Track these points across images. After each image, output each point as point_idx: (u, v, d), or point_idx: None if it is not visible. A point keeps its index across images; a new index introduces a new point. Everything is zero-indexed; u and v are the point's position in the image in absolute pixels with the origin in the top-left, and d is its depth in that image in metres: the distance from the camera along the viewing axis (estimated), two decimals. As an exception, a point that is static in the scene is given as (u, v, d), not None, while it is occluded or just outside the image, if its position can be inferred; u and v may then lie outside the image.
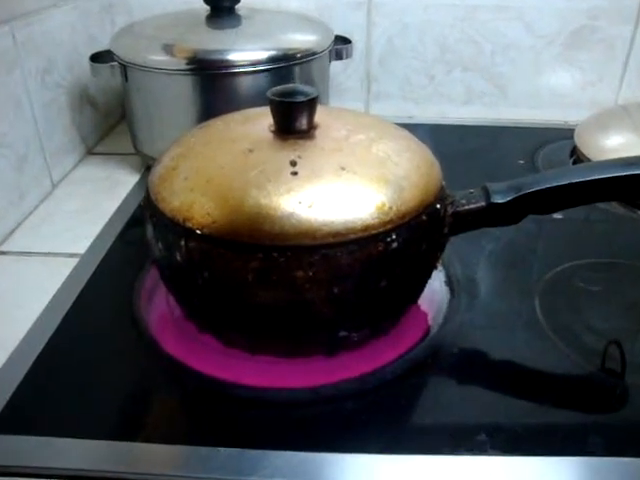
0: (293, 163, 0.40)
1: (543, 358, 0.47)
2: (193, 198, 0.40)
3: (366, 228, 0.38)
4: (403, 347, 0.47)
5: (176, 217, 0.40)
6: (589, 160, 0.73)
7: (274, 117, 0.44)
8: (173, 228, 0.40)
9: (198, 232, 0.39)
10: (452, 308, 0.51)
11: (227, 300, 0.41)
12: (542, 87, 0.90)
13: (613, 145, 0.76)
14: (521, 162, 0.77)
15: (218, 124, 0.48)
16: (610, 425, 0.42)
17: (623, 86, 0.89)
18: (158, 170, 0.45)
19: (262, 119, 0.45)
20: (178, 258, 0.41)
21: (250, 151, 0.42)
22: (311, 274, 0.38)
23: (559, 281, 0.54)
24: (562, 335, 0.48)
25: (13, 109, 0.64)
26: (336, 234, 0.38)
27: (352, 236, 0.38)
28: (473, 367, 0.46)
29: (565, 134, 0.81)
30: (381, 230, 0.39)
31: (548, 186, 0.44)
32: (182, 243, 0.40)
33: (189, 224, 0.39)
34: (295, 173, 0.40)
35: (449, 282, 0.53)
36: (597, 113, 0.83)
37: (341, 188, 0.39)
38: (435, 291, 0.52)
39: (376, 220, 0.39)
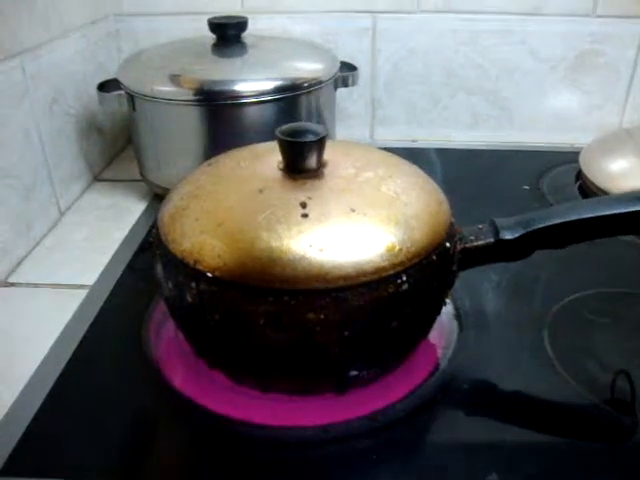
0: (303, 205, 0.40)
1: (552, 391, 0.47)
2: (204, 240, 0.40)
3: (376, 270, 0.39)
4: (413, 382, 0.47)
5: (186, 259, 0.40)
6: (594, 184, 0.73)
7: (283, 156, 0.44)
8: (184, 269, 0.41)
9: (209, 275, 0.39)
10: (461, 341, 0.51)
11: (238, 341, 0.41)
12: (547, 110, 0.90)
13: (617, 170, 0.76)
14: (526, 187, 0.77)
15: (227, 162, 0.48)
16: (622, 458, 0.42)
17: (627, 109, 0.89)
18: (168, 209, 0.45)
19: (270, 156, 0.45)
20: (188, 299, 0.41)
21: (260, 191, 0.42)
22: (322, 317, 0.38)
23: (567, 312, 0.54)
24: (570, 368, 0.48)
25: (22, 140, 0.64)
26: (347, 277, 0.38)
27: (363, 279, 0.38)
28: (483, 402, 0.46)
29: (571, 157, 0.81)
30: (391, 272, 0.39)
31: (557, 222, 0.45)
32: (193, 285, 0.40)
33: (200, 266, 0.40)
34: (305, 215, 0.40)
35: (457, 315, 0.53)
36: (601, 137, 0.83)
37: (351, 230, 0.39)
38: (444, 324, 0.52)
39: (386, 262, 0.39)
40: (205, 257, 0.39)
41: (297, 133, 0.43)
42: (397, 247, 0.39)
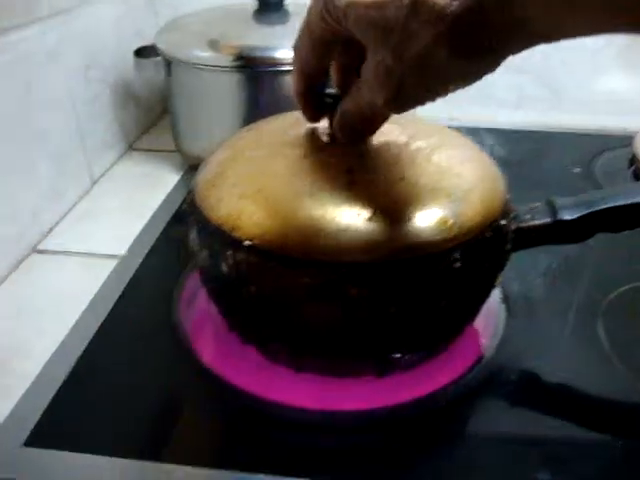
0: (350, 171, 0.37)
1: (606, 385, 0.44)
2: (242, 207, 0.37)
3: (427, 246, 0.35)
4: (457, 370, 0.44)
5: (223, 226, 0.38)
6: (649, 170, 0.69)
7: (330, 121, 0.41)
8: (220, 237, 0.38)
9: (247, 243, 0.36)
10: (509, 328, 0.48)
11: (274, 316, 0.39)
12: (599, 91, 0.86)
13: (675, 155, 0.72)
14: (577, 170, 0.73)
15: (268, 127, 0.45)
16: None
17: (685, 92, 0.84)
18: (205, 174, 0.42)
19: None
20: (224, 269, 0.38)
21: (304, 157, 0.39)
22: (367, 293, 0.36)
23: (624, 302, 0.51)
24: (627, 360, 0.45)
25: (55, 105, 0.62)
26: (394, 251, 0.35)
27: (412, 254, 0.35)
28: (531, 394, 0.43)
29: (623, 142, 0.77)
30: (443, 248, 0.36)
31: (621, 203, 0.41)
32: (229, 253, 0.38)
33: (237, 234, 0.37)
34: (352, 182, 0.37)
35: (505, 299, 0.50)
36: (658, 120, 0.79)
37: (401, 201, 0.36)
38: (490, 308, 0.49)
39: (438, 237, 0.36)
40: (243, 224, 0.37)
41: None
42: (450, 221, 0.36)
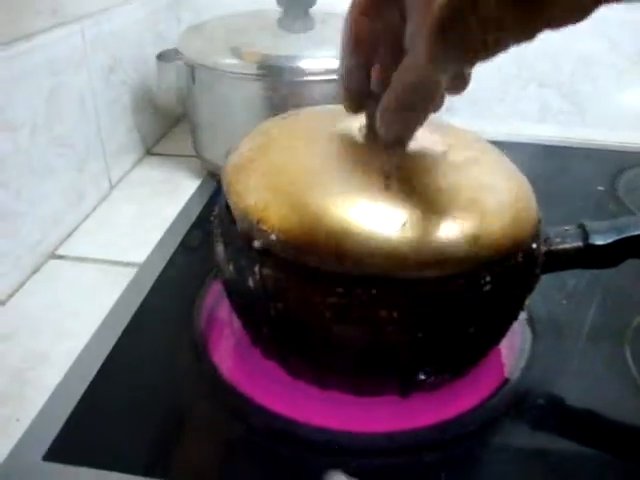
0: (387, 175, 0.36)
1: (635, 413, 0.43)
2: (270, 198, 0.36)
3: (460, 262, 0.34)
4: (483, 392, 0.43)
5: (249, 217, 0.37)
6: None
7: (368, 120, 0.40)
8: (243, 232, 0.37)
9: (273, 237, 0.35)
10: (535, 351, 0.47)
11: (299, 333, 0.38)
12: (624, 107, 0.85)
13: (700, 174, 0.71)
14: (601, 188, 0.72)
15: (305, 117, 0.44)
16: None
17: None
18: (234, 159, 0.41)
19: (352, 118, 0.41)
20: (248, 281, 0.38)
21: (339, 154, 0.38)
22: (395, 315, 0.35)
23: (652, 327, 0.50)
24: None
25: (78, 108, 0.62)
26: (424, 265, 0.34)
27: (443, 271, 0.34)
28: (559, 421, 0.42)
29: (648, 159, 0.76)
30: (471, 266, 0.35)
31: (655, 230, 0.40)
32: (252, 255, 0.36)
33: (263, 226, 0.36)
34: (387, 187, 0.36)
35: (530, 321, 0.49)
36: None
37: (437, 213, 0.35)
38: (515, 330, 0.48)
39: (472, 254, 0.35)
40: (270, 217, 0.35)
41: None
42: (482, 240, 0.35)
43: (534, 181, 0.70)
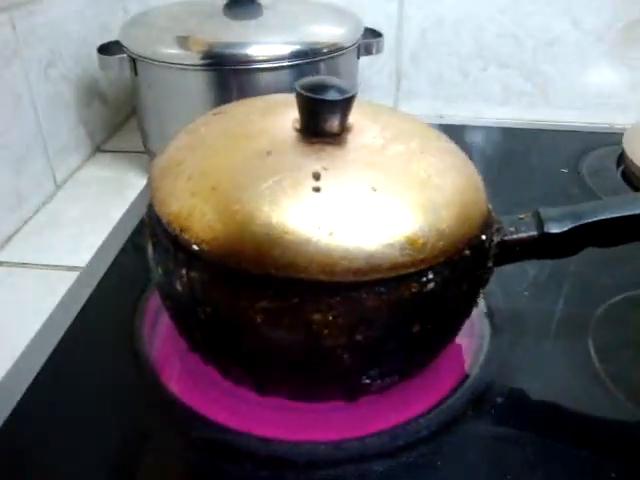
0: (317, 176, 0.34)
1: (599, 406, 0.41)
2: (194, 205, 0.34)
3: (394, 267, 0.32)
4: (439, 392, 0.41)
5: (173, 225, 0.34)
6: (639, 168, 0.66)
7: (301, 115, 0.37)
8: (169, 238, 0.35)
9: (195, 248, 0.33)
10: (494, 346, 0.45)
11: (232, 338, 0.36)
12: (587, 87, 0.82)
13: (665, 153, 0.69)
14: (564, 170, 0.70)
15: (236, 112, 0.41)
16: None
17: (675, 87, 0.82)
18: (161, 162, 0.38)
19: (287, 111, 0.39)
20: (176, 283, 0.35)
21: (268, 153, 0.35)
22: (330, 318, 0.32)
23: (614, 315, 0.47)
24: (619, 380, 0.42)
25: (12, 105, 0.59)
26: (357, 271, 0.32)
27: (376, 275, 0.32)
28: (520, 419, 0.40)
29: (612, 139, 0.74)
30: (412, 270, 0.33)
31: (613, 216, 0.38)
32: (180, 258, 0.34)
33: (186, 236, 0.33)
34: (317, 189, 0.33)
35: (489, 314, 0.47)
36: (648, 117, 0.76)
37: (369, 215, 0.33)
38: (474, 324, 0.46)
39: (407, 258, 0.32)
40: (194, 225, 0.33)
41: (320, 89, 0.35)
42: (421, 241, 0.33)
43: (496, 165, 0.69)
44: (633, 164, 0.67)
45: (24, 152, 0.61)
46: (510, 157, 0.74)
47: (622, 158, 0.71)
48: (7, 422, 0.39)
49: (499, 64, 0.83)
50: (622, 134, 0.72)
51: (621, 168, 0.70)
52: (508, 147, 0.76)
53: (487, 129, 0.81)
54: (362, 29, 0.69)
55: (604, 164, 0.72)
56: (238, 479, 0.36)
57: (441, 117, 0.85)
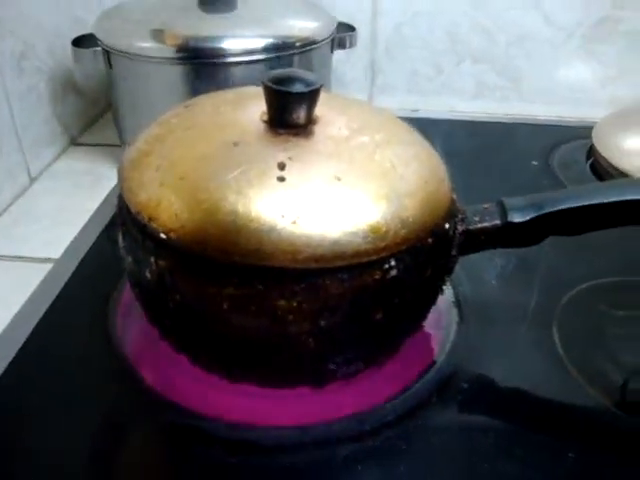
0: (281, 166, 0.34)
1: (561, 392, 0.42)
2: (162, 194, 0.34)
3: (356, 254, 0.33)
4: (405, 379, 0.42)
5: (141, 214, 0.35)
6: (607, 162, 0.67)
7: (268, 107, 0.38)
8: (138, 226, 0.36)
9: (162, 236, 0.34)
10: (461, 333, 0.46)
11: (199, 325, 0.37)
12: (559, 82, 0.84)
13: (633, 147, 0.70)
14: (535, 163, 0.71)
15: (206, 104, 0.42)
16: (633, 467, 0.38)
17: (645, 82, 0.83)
18: (131, 153, 0.39)
19: (256, 103, 0.39)
20: (144, 269, 0.36)
21: (235, 144, 0.36)
22: (295, 304, 0.33)
23: (579, 303, 0.49)
24: (582, 368, 0.43)
25: (-16, 98, 0.59)
26: (320, 259, 0.32)
27: (339, 262, 0.33)
28: (485, 404, 0.41)
29: (582, 133, 0.75)
30: (375, 257, 0.33)
31: (576, 205, 0.39)
32: (147, 246, 0.35)
33: (154, 225, 0.34)
34: (282, 179, 0.34)
35: (457, 303, 0.48)
36: (617, 111, 0.77)
37: (332, 203, 0.33)
38: (442, 312, 0.47)
39: (369, 245, 0.33)
40: (161, 214, 0.34)
41: (286, 81, 0.36)
42: (383, 229, 0.33)
43: (468, 158, 0.70)
44: (602, 157, 0.69)
45: (-3, 145, 0.61)
46: (482, 150, 0.75)
47: (592, 151, 0.72)
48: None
49: (472, 59, 0.84)
50: (592, 128, 0.73)
51: (590, 161, 0.72)
52: (481, 140, 0.77)
53: (461, 123, 0.82)
54: (335, 23, 0.70)
55: (574, 157, 0.73)
56: (209, 464, 0.37)
57: (415, 111, 0.86)
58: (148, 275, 0.36)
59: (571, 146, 0.75)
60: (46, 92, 0.70)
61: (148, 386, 0.42)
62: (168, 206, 0.34)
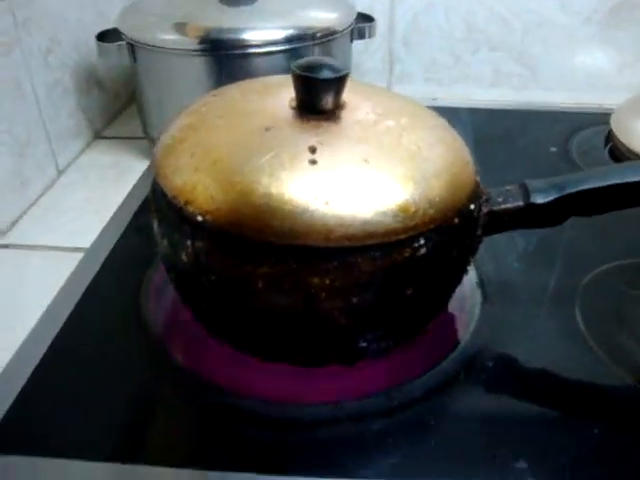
0: (312, 150, 0.35)
1: (585, 370, 0.43)
2: (197, 179, 0.36)
3: (387, 233, 0.34)
4: (433, 357, 0.43)
5: (178, 198, 0.36)
6: (626, 147, 0.68)
7: (297, 93, 0.39)
8: (174, 210, 0.37)
9: (199, 219, 0.35)
10: (485, 313, 0.47)
11: (233, 304, 0.38)
12: (576, 68, 0.84)
13: (652, 132, 0.71)
14: (553, 150, 0.72)
15: (234, 92, 0.43)
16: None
17: (662, 67, 0.83)
18: (164, 141, 0.40)
19: (283, 91, 0.40)
20: (180, 251, 0.37)
21: (266, 130, 0.37)
22: (327, 282, 0.34)
23: (601, 284, 0.49)
24: (605, 346, 0.44)
25: (13, 92, 0.60)
26: (352, 237, 0.34)
27: (370, 241, 0.34)
28: (509, 382, 0.42)
29: (600, 119, 0.76)
30: (405, 236, 0.35)
31: (596, 185, 0.40)
32: (185, 230, 0.36)
33: (190, 208, 0.35)
34: (314, 162, 0.35)
35: (481, 284, 0.49)
36: (635, 96, 0.77)
37: (363, 185, 0.35)
38: (465, 293, 0.48)
39: (399, 224, 0.34)
40: (197, 198, 0.35)
41: (314, 68, 0.38)
42: (412, 208, 0.35)
43: (487, 145, 0.70)
44: (620, 142, 0.69)
45: (26, 136, 0.62)
46: (501, 137, 0.76)
47: (610, 137, 0.73)
48: (24, 389, 0.41)
49: (489, 47, 0.84)
50: (610, 114, 0.73)
51: (609, 146, 0.72)
52: (499, 128, 0.78)
53: (479, 111, 0.83)
54: (355, 14, 0.71)
55: (593, 143, 0.74)
56: (244, 440, 0.38)
57: (434, 100, 0.87)
58: (184, 258, 0.37)
59: (589, 132, 0.76)
60: (71, 86, 0.71)
61: (181, 367, 0.43)
62: (203, 190, 0.35)
